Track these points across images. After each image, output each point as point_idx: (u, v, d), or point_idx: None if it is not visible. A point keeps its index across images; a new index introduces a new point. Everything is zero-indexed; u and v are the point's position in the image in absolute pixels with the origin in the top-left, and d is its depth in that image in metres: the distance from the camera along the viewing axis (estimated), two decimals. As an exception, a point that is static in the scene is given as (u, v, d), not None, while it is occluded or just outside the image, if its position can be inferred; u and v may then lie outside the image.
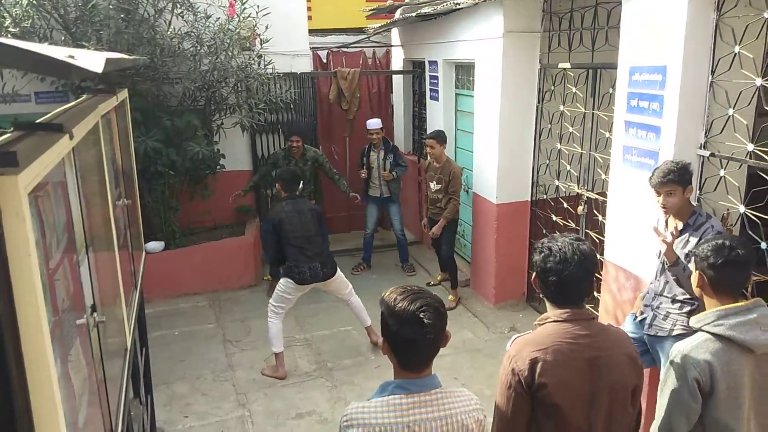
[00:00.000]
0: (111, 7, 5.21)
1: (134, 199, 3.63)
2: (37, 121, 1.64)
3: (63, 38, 5.36)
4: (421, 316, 1.65)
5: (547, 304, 2.01)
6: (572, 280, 1.91)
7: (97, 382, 1.86)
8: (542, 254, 1.96)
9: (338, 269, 4.92)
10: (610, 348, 1.92)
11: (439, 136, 5.79)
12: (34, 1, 5.11)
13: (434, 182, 5.86)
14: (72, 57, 0.94)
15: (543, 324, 1.97)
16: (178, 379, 4.71)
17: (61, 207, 1.75)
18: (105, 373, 1.97)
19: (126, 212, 3.19)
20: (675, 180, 3.02)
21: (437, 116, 6.89)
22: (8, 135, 1.44)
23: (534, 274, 2.03)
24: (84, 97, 2.72)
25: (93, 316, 1.82)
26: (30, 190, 1.14)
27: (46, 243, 1.55)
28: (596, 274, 2.07)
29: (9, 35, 5.10)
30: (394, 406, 1.68)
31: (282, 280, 4.79)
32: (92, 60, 0.86)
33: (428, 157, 5.91)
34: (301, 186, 5.08)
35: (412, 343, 1.69)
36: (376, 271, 6.92)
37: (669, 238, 3.01)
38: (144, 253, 3.80)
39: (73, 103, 2.35)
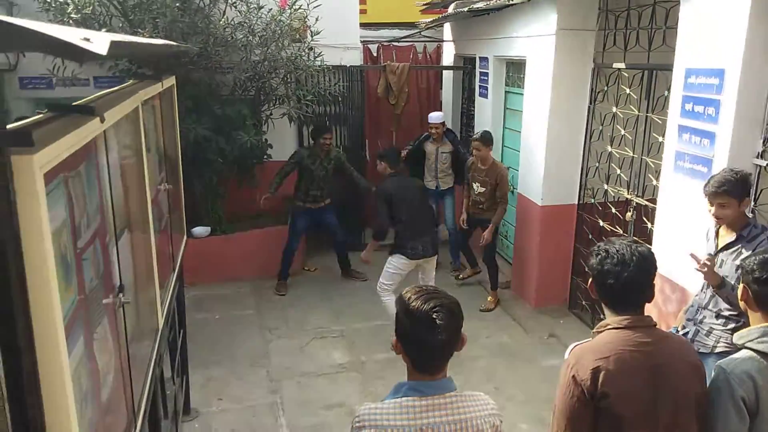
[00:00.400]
0: (168, -5, 5.35)
1: (178, 184, 3.71)
2: (74, 104, 1.69)
3: (121, 25, 5.53)
4: (434, 317, 1.60)
5: (606, 310, 1.95)
6: (631, 283, 1.85)
7: (121, 361, 1.91)
8: (599, 257, 1.91)
9: None
10: (672, 356, 1.87)
11: (485, 138, 5.58)
12: (96, -11, 5.30)
13: (478, 184, 5.72)
14: (87, 39, 0.94)
15: (602, 331, 1.91)
16: (215, 362, 4.82)
17: (94, 188, 1.80)
18: (129, 353, 2.02)
19: (168, 197, 3.26)
20: (729, 191, 2.87)
21: (485, 114, 6.78)
22: (41, 116, 1.48)
23: (591, 278, 1.97)
24: (129, 82, 2.79)
25: (119, 296, 1.85)
26: (48, 170, 1.17)
27: (75, 223, 1.60)
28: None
29: (71, 21, 5.31)
30: (407, 408, 1.65)
31: (393, 258, 4.96)
32: (97, 43, 0.87)
33: (473, 157, 5.79)
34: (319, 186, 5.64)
35: (424, 344, 1.64)
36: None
37: (705, 263, 2.87)
38: (185, 237, 3.88)
39: (116, 88, 2.41)
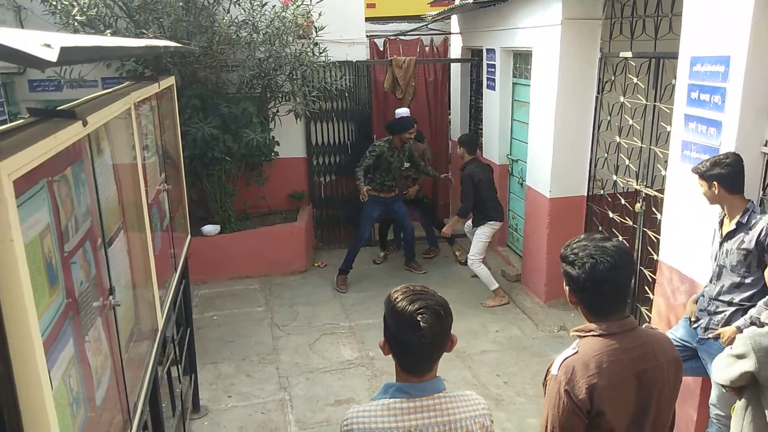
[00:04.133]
0: (172, -5, 5.36)
1: (179, 184, 3.72)
2: (59, 108, 1.70)
3: (126, 25, 5.56)
4: (418, 318, 1.56)
5: (587, 315, 1.83)
6: (624, 284, 1.78)
7: (115, 362, 1.92)
8: (586, 265, 1.73)
9: None
10: (658, 356, 1.81)
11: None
12: (100, -10, 5.33)
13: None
14: (47, 45, 0.94)
15: (585, 337, 1.81)
16: (225, 359, 4.85)
17: (83, 192, 1.80)
18: (125, 354, 2.02)
19: (169, 197, 3.28)
20: (698, 172, 3.00)
21: (493, 106, 6.72)
22: (21, 121, 1.48)
23: (568, 287, 1.83)
24: (125, 84, 2.80)
25: (109, 299, 1.86)
26: (21, 176, 1.17)
27: (61, 227, 1.61)
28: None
29: (76, 23, 5.34)
30: (394, 410, 1.62)
31: (483, 229, 5.76)
32: (46, 49, 0.86)
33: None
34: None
35: (408, 346, 1.61)
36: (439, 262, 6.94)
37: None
38: (189, 236, 3.89)
39: (106, 91, 2.41)
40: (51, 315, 1.45)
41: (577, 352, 1.79)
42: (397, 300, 1.62)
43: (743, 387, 2.41)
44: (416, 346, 1.59)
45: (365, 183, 6.09)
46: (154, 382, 2.44)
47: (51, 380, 1.31)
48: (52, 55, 0.85)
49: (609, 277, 1.72)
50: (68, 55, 0.93)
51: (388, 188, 6.23)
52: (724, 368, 2.44)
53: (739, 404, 2.46)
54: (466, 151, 5.83)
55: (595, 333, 1.79)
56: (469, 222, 6.07)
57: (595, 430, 1.78)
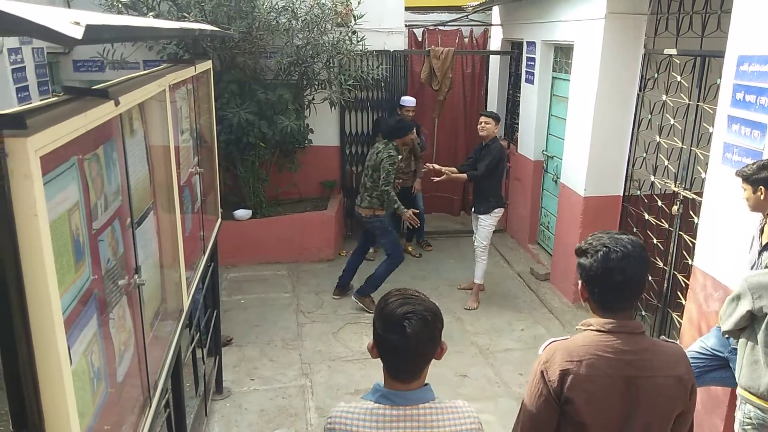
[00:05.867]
0: (214, -21, 5.41)
1: (213, 168, 3.76)
2: (93, 87, 1.72)
3: (168, 8, 5.63)
4: (404, 324, 1.51)
5: (591, 310, 1.82)
6: (635, 276, 1.73)
7: (137, 340, 1.95)
8: (599, 253, 1.74)
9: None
10: (654, 369, 1.73)
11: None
12: (144, -27, 5.41)
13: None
14: (77, 23, 0.94)
15: (584, 331, 1.79)
16: (250, 342, 4.91)
17: (114, 171, 1.83)
18: (147, 333, 2.06)
19: (201, 180, 3.32)
20: (743, 176, 2.88)
21: (531, 100, 6.61)
22: (54, 98, 1.51)
23: (581, 281, 1.81)
24: (161, 66, 2.83)
25: (134, 277, 1.89)
26: (49, 152, 1.19)
27: (90, 204, 1.63)
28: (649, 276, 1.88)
29: (120, 5, 5.44)
30: (377, 416, 1.58)
31: (490, 216, 5.47)
32: (73, 27, 0.86)
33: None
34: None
35: (394, 351, 1.56)
36: (454, 255, 6.81)
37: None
38: (219, 220, 3.94)
39: (143, 72, 2.44)
40: (76, 291, 1.48)
41: (567, 339, 1.81)
42: (388, 302, 1.58)
43: (743, 328, 2.64)
44: (401, 351, 1.54)
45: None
46: (177, 361, 2.48)
47: (71, 356, 1.34)
48: (78, 33, 0.85)
49: (621, 266, 1.70)
50: (94, 34, 0.94)
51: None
52: (728, 316, 2.63)
53: (741, 341, 2.66)
54: (496, 126, 5.52)
55: (593, 328, 1.76)
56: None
57: (568, 421, 1.75)
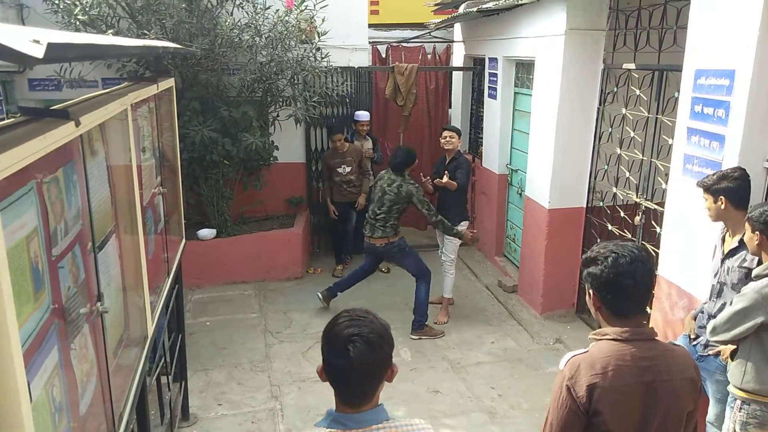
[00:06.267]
0: (175, -3, 5.33)
1: (176, 188, 3.67)
2: (52, 107, 1.65)
3: (128, 26, 5.52)
4: (348, 347, 1.44)
5: (607, 320, 1.85)
6: (644, 281, 1.79)
7: (100, 370, 1.86)
8: (608, 259, 1.79)
9: None
10: (671, 373, 1.79)
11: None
12: (103, -10, 5.30)
13: (345, 165, 6.40)
14: (37, 42, 0.89)
15: (600, 341, 1.83)
16: (216, 366, 4.78)
17: (74, 193, 1.75)
18: (112, 362, 1.97)
19: (164, 200, 3.23)
20: (704, 186, 2.95)
21: (494, 115, 6.69)
22: (11, 120, 1.44)
23: (591, 289, 1.86)
24: (123, 85, 2.75)
25: (97, 305, 1.81)
26: (2, 177, 1.12)
27: (49, 230, 1.56)
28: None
29: (78, 23, 5.31)
30: None
31: (460, 227, 5.41)
32: (34, 45, 0.81)
33: (337, 143, 6.37)
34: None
35: (340, 376, 1.49)
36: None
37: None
38: (183, 241, 3.84)
39: (103, 91, 2.37)
40: (35, 321, 1.41)
41: (587, 351, 1.83)
42: (336, 323, 1.52)
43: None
44: (347, 375, 1.48)
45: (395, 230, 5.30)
46: (142, 391, 2.38)
47: (31, 391, 1.26)
48: (38, 51, 0.80)
49: (630, 270, 1.75)
50: (56, 52, 0.89)
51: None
52: (733, 326, 2.65)
53: (744, 348, 2.70)
54: (459, 140, 5.59)
55: (609, 337, 1.81)
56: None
57: (593, 430, 1.79)
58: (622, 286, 1.77)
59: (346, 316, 1.55)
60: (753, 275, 2.67)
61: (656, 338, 1.85)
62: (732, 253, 2.89)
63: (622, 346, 1.78)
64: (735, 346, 2.78)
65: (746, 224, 2.70)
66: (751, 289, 2.61)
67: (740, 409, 2.71)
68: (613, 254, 1.78)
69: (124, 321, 2.31)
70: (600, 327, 1.93)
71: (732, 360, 2.78)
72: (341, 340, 1.47)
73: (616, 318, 1.83)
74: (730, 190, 2.83)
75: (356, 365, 1.45)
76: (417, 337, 5.25)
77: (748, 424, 2.69)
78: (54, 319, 1.55)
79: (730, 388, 2.78)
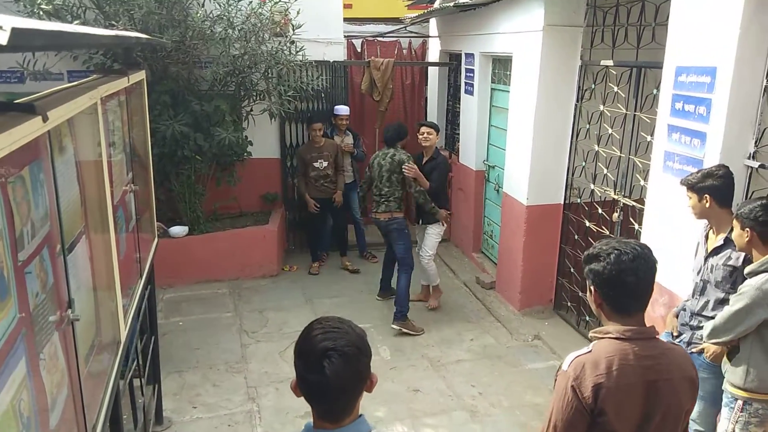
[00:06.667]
0: (143, -14, 5.15)
1: (147, 185, 3.54)
2: (16, 101, 1.54)
3: (95, 17, 5.33)
4: (324, 363, 1.35)
5: (609, 318, 1.84)
6: (647, 278, 1.78)
7: (72, 381, 1.75)
8: (611, 256, 1.78)
9: None
10: (672, 372, 1.80)
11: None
12: (67, -21, 5.09)
13: (322, 160, 6.29)
14: (0, 27, 0.79)
15: (602, 339, 1.82)
16: (191, 367, 4.65)
17: (41, 193, 1.64)
18: (84, 371, 1.86)
19: (136, 198, 3.10)
20: (688, 184, 2.92)
21: (471, 111, 6.66)
22: (-29, 115, 1.32)
23: (593, 287, 1.84)
24: (91, 77, 2.62)
25: (68, 312, 1.70)
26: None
27: (15, 233, 1.45)
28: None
29: (41, 12, 5.09)
30: None
31: (435, 226, 5.48)
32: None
33: (318, 132, 6.24)
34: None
35: (316, 392, 1.41)
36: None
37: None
38: (156, 239, 3.71)
39: (71, 84, 2.24)
40: (0, 332, 1.30)
41: (590, 351, 1.82)
42: (306, 338, 1.43)
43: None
44: (324, 392, 1.39)
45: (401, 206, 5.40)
46: (116, 400, 2.27)
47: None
48: (2, 38, 0.71)
49: (633, 267, 1.75)
50: (21, 39, 0.79)
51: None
52: (734, 326, 2.64)
53: (746, 347, 2.69)
54: (437, 136, 5.54)
55: (612, 336, 1.80)
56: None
57: (597, 429, 1.80)
58: (625, 284, 1.76)
59: (319, 327, 1.44)
60: (746, 272, 2.66)
61: (657, 337, 1.85)
62: (717, 251, 2.89)
63: (625, 345, 1.79)
64: (727, 348, 2.78)
65: (735, 221, 2.70)
66: (750, 286, 2.59)
67: (742, 409, 2.70)
68: (616, 251, 1.77)
69: (96, 326, 2.19)
70: (600, 325, 1.92)
71: (730, 360, 2.77)
72: (315, 354, 1.37)
73: (617, 315, 1.82)
74: (714, 188, 2.82)
75: (333, 381, 1.36)
76: (398, 328, 5.19)
77: (750, 423, 2.70)
78: (21, 328, 1.44)
79: (729, 388, 2.76)
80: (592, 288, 1.85)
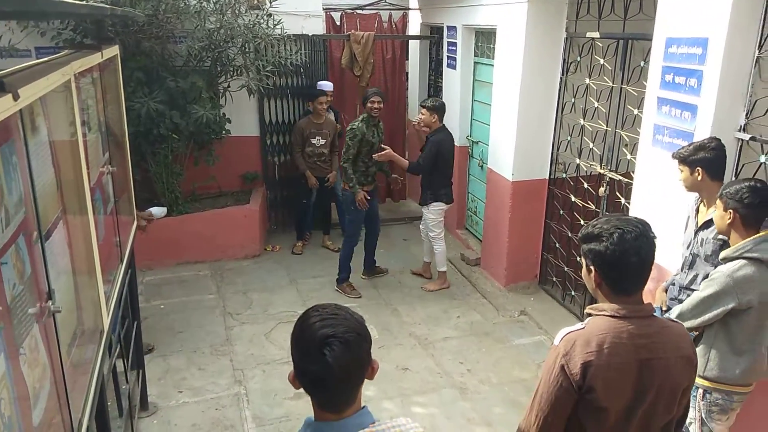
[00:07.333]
0: (112, -43, 4.91)
1: (125, 165, 3.40)
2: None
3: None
4: (324, 351, 1.29)
5: (606, 296, 1.79)
6: (648, 256, 1.72)
7: (56, 374, 1.66)
8: (614, 236, 1.71)
9: None
10: (666, 351, 1.76)
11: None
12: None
13: (320, 137, 6.17)
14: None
15: (597, 317, 1.78)
16: (175, 351, 4.56)
17: (14, 178, 1.53)
18: (67, 363, 1.77)
19: (113, 179, 2.97)
20: (680, 157, 2.88)
21: (453, 86, 6.57)
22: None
23: (593, 267, 1.77)
24: (63, 53, 2.47)
25: (48, 303, 1.60)
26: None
27: (-14, 220, 1.34)
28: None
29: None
30: None
31: (431, 207, 5.44)
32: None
33: (324, 105, 6.11)
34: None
35: (318, 383, 1.35)
36: (383, 245, 6.66)
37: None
38: (135, 222, 3.58)
39: (41, 60, 2.10)
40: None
41: (583, 328, 1.79)
42: (304, 326, 1.36)
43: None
44: (327, 381, 1.33)
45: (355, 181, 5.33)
46: (101, 393, 2.18)
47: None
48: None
49: (635, 246, 1.70)
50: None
51: (371, 179, 5.51)
52: (701, 313, 2.60)
53: (709, 335, 2.67)
54: (439, 118, 5.36)
55: (606, 313, 1.77)
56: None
57: (586, 406, 1.77)
58: (628, 264, 1.71)
59: (316, 315, 1.37)
60: (721, 257, 2.61)
61: (654, 314, 1.80)
62: (707, 224, 2.87)
63: (619, 323, 1.74)
64: (696, 332, 2.74)
65: (718, 201, 2.64)
66: (721, 273, 2.54)
67: (702, 398, 2.71)
68: (618, 230, 1.71)
69: (77, 315, 2.09)
70: (594, 301, 1.88)
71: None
72: (315, 343, 1.31)
73: (616, 295, 1.77)
74: (707, 161, 2.79)
75: (335, 370, 1.30)
76: (339, 291, 5.53)
77: (712, 411, 2.70)
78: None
79: None
80: (591, 268, 1.79)
